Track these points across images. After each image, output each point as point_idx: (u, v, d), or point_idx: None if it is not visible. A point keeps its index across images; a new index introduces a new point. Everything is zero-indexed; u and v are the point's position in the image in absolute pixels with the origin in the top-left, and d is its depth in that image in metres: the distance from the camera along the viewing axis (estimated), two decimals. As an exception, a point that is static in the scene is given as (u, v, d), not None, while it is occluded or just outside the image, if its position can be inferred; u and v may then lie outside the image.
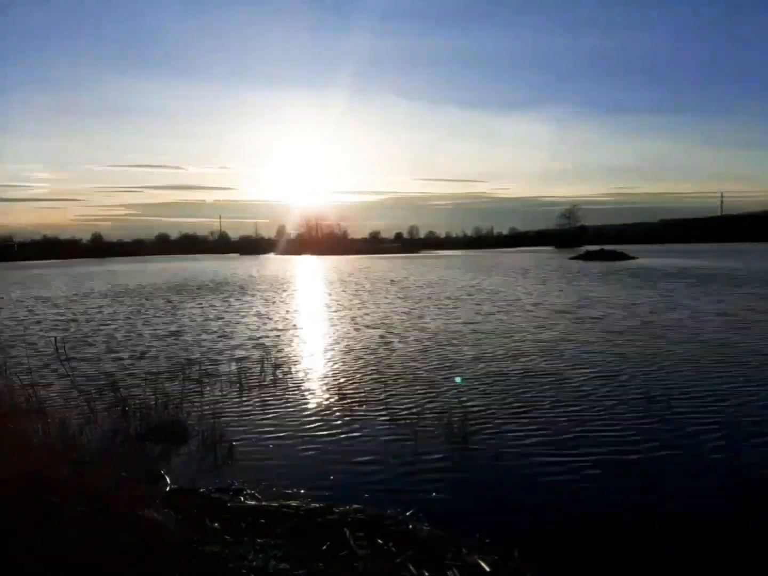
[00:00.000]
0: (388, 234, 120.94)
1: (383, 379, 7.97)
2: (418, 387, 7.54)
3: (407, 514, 4.01)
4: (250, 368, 8.76)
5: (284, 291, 23.97)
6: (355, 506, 4.09)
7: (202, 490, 4.41)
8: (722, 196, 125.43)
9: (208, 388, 7.65)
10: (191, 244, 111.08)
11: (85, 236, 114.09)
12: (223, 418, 6.27)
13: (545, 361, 8.94)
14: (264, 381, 8.04)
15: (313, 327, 13.49)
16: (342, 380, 8.03)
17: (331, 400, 7.08)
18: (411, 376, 8.17)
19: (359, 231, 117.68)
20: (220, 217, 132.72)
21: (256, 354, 9.91)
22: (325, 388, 7.69)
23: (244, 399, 7.19)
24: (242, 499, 4.30)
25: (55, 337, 6.81)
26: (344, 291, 22.96)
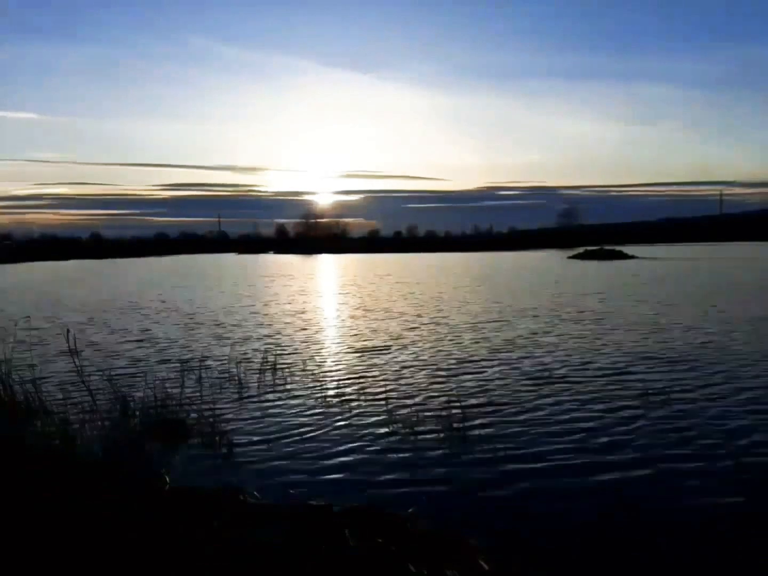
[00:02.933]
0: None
1: (384, 378, 7.97)
2: (419, 385, 7.54)
3: (407, 513, 4.01)
4: (251, 368, 8.75)
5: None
6: (355, 506, 4.09)
7: (202, 489, 4.41)
8: (722, 196, 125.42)
9: (208, 388, 7.64)
10: (190, 243, 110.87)
11: (83, 235, 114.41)
12: (223, 418, 6.27)
13: (549, 359, 8.95)
14: (264, 380, 8.03)
15: (313, 326, 13.48)
16: (343, 379, 8.03)
17: (332, 399, 7.08)
18: (412, 374, 8.17)
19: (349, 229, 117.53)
20: (219, 216, 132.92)
21: (257, 354, 9.89)
22: (325, 386, 7.69)
23: (245, 398, 7.19)
24: (242, 498, 4.30)
25: (67, 330, 6.73)
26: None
